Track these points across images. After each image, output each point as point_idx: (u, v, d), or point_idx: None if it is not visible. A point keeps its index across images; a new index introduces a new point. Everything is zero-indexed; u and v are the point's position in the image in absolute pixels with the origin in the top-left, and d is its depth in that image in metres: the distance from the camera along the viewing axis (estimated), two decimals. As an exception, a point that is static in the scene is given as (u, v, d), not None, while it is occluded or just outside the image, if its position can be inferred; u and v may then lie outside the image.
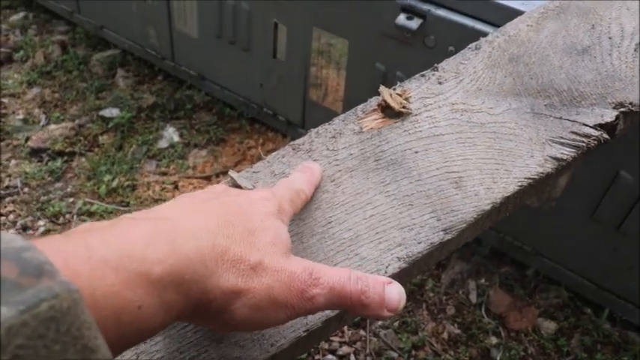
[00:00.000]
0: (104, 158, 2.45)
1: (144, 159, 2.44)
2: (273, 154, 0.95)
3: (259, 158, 2.43)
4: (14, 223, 2.24)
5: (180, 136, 2.56)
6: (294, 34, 2.22)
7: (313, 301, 0.48)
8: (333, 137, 0.82)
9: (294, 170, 0.74)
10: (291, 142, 0.94)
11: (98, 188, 2.32)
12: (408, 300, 1.95)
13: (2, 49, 3.13)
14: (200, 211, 0.47)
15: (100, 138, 2.59)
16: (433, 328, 1.92)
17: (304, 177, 0.70)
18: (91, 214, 2.23)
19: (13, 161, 2.51)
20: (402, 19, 1.87)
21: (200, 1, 2.47)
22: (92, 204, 2.27)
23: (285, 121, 2.46)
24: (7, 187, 2.38)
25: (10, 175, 2.43)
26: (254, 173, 0.87)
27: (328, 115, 2.26)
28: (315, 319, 0.63)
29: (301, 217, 0.73)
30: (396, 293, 0.53)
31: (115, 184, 2.32)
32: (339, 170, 0.78)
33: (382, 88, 0.83)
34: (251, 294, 0.44)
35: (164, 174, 2.39)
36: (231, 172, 0.92)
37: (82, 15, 3.16)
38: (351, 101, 2.16)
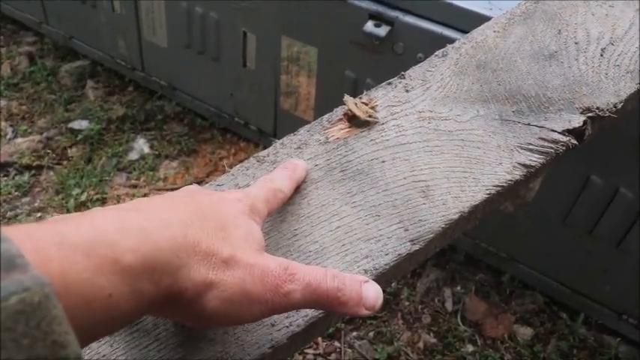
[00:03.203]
0: (73, 171, 2.40)
1: (114, 171, 2.39)
2: (237, 166, 0.93)
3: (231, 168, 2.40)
4: (-20, 239, 2.18)
5: (151, 147, 2.52)
6: (263, 43, 2.21)
7: (289, 297, 0.48)
8: (299, 148, 0.80)
9: (277, 166, 0.73)
10: (256, 154, 0.92)
11: (66, 202, 2.27)
12: (382, 309, 1.93)
13: (-33, 62, 3.06)
14: (173, 204, 0.47)
15: (69, 151, 2.54)
16: (409, 338, 1.90)
17: (285, 174, 0.69)
18: (59, 229, 2.18)
19: (-22, 176, 2.44)
20: (369, 26, 1.86)
21: (169, 10, 2.44)
22: (60, 218, 2.21)
23: (257, 131, 2.43)
24: (-28, 203, 2.32)
25: (-25, 191, 2.37)
26: (218, 186, 0.84)
27: (300, 124, 2.23)
28: (280, 336, 0.61)
29: (265, 230, 0.71)
30: (373, 291, 0.53)
31: (83, 197, 2.27)
32: (305, 182, 0.76)
33: (347, 98, 0.82)
34: (222, 287, 0.44)
35: (134, 186, 2.34)
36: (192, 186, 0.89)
37: (50, 25, 3.10)
38: (322, 110, 2.14)
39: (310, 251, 0.68)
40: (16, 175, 2.44)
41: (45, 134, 2.63)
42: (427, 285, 2.06)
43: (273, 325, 0.66)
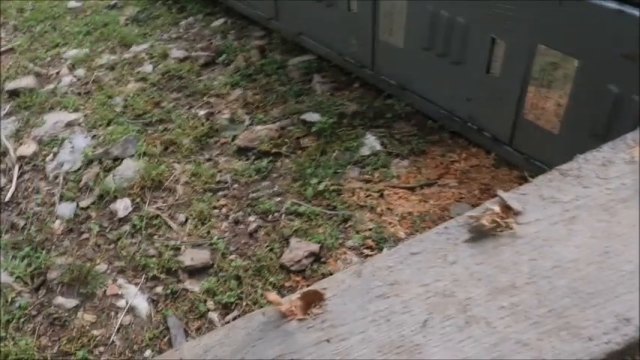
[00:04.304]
0: (309, 161, 2.55)
1: (348, 165, 2.51)
2: (540, 177, 0.94)
3: (464, 173, 2.42)
4: (227, 216, 2.39)
5: (382, 144, 2.61)
6: (513, 51, 2.20)
7: None
8: (603, 165, 0.81)
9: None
10: (558, 167, 0.93)
11: (305, 190, 2.42)
12: None
13: (207, 53, 3.35)
14: None
15: (302, 141, 2.70)
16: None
17: None
18: (298, 215, 2.33)
19: (222, 158, 2.67)
20: (649, 39, 1.80)
21: (411, 12, 2.51)
22: (299, 205, 2.36)
23: (491, 138, 2.43)
24: (219, 182, 2.54)
25: (220, 171, 2.59)
26: (522, 195, 0.87)
27: (543, 136, 2.23)
28: (597, 351, 0.64)
29: (576, 244, 0.73)
30: None
31: (321, 187, 2.40)
32: (612, 200, 0.76)
33: None
34: None
35: (368, 181, 2.44)
36: (500, 192, 0.93)
37: (280, 22, 3.31)
38: (572, 123, 2.10)
39: (624, 270, 0.69)
40: (255, 159, 2.64)
41: (279, 123, 2.82)
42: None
43: (590, 340, 0.68)
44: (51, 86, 3.21)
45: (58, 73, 3.34)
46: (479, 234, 0.82)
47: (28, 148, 2.78)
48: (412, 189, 2.38)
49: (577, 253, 0.73)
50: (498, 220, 0.81)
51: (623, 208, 0.76)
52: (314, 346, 0.77)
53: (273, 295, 0.83)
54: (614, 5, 1.83)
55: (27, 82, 3.22)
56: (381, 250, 2.12)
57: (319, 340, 0.77)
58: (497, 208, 0.82)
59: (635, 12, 1.80)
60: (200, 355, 0.79)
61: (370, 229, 2.21)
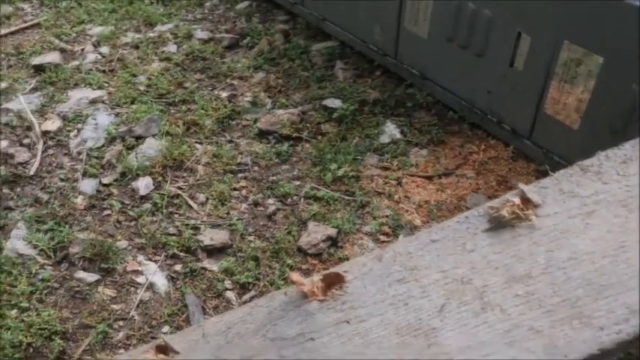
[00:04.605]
0: (329, 146, 2.58)
1: (367, 152, 2.54)
2: (562, 171, 0.96)
3: (482, 164, 2.44)
4: (246, 198, 2.42)
5: (401, 133, 2.63)
6: (538, 46, 2.20)
7: None
8: (624, 162, 0.83)
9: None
10: (579, 162, 0.95)
11: (324, 175, 2.45)
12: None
13: (231, 35, 3.38)
14: None
15: (323, 126, 2.73)
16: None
17: None
18: (317, 199, 2.37)
19: (243, 140, 2.71)
20: (677, 40, 1.80)
21: (437, 3, 2.52)
22: (318, 189, 2.40)
23: (510, 131, 2.44)
24: (239, 164, 2.57)
25: (241, 153, 2.62)
26: (542, 189, 0.90)
27: (563, 131, 2.24)
28: (608, 341, 0.67)
29: (592, 237, 0.76)
30: None
31: (340, 172, 2.43)
32: (631, 196, 0.79)
33: None
34: None
35: (386, 169, 2.47)
36: (520, 185, 0.95)
37: (305, 7, 3.32)
38: (592, 119, 2.10)
39: (637, 265, 0.72)
40: (276, 143, 2.67)
41: (300, 108, 2.84)
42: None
43: (601, 329, 0.70)
44: (76, 63, 3.25)
45: (83, 49, 3.38)
46: (498, 224, 0.85)
47: (53, 124, 2.82)
48: (430, 178, 2.40)
49: (593, 246, 0.76)
50: (518, 211, 0.84)
51: (649, 206, 0.78)
52: (334, 326, 0.80)
53: (296, 276, 0.86)
54: (640, 3, 1.83)
55: (52, 57, 3.26)
56: (397, 236, 2.15)
57: (339, 321, 0.80)
58: (517, 200, 0.85)
59: (662, 11, 1.80)
60: (222, 332, 0.82)
61: (387, 216, 2.24)
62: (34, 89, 3.05)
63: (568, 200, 0.86)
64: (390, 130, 2.63)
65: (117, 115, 2.84)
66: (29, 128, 2.80)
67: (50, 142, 2.72)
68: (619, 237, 0.78)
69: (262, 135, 2.71)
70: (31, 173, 2.54)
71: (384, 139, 2.60)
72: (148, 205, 2.35)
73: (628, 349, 0.70)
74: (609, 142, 0.94)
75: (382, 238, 2.17)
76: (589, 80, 2.06)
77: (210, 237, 2.19)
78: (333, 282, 0.86)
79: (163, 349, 0.80)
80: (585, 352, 0.67)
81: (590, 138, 2.10)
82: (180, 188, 2.43)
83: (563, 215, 0.84)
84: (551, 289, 0.75)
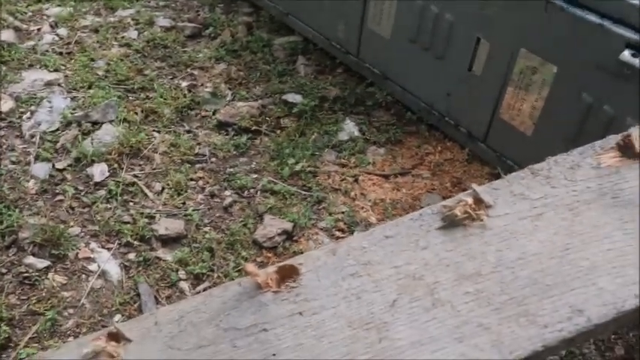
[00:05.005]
0: (287, 141, 2.58)
1: (325, 148, 2.55)
2: (513, 174, 1.00)
3: (437, 165, 2.49)
4: (202, 189, 2.41)
5: (360, 131, 2.65)
6: (496, 52, 2.25)
7: None
8: (571, 168, 0.88)
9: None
10: (530, 166, 1.00)
11: (281, 169, 2.45)
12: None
13: (194, 24, 3.34)
14: None
15: (282, 121, 2.73)
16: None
17: None
18: (273, 193, 2.37)
19: (201, 131, 2.69)
20: (626, 55, 1.86)
21: (400, 4, 2.55)
22: (275, 183, 2.40)
23: (467, 134, 2.50)
24: (197, 155, 2.56)
25: (199, 144, 2.61)
26: (494, 190, 0.94)
27: (516, 136, 2.30)
28: (551, 338, 0.70)
29: (540, 239, 0.79)
30: None
31: (298, 167, 2.44)
32: (577, 201, 0.83)
33: (634, 129, 0.89)
34: None
35: (344, 165, 2.49)
36: (473, 185, 0.98)
37: (269, 0, 3.32)
38: (544, 126, 2.17)
39: (582, 266, 0.76)
40: (235, 135, 2.66)
41: (260, 101, 2.84)
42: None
43: (545, 327, 0.74)
44: (31, 43, 3.16)
45: (39, 30, 3.29)
46: (451, 223, 0.87)
47: (5, 104, 2.75)
48: (386, 177, 2.43)
49: (540, 248, 0.79)
50: (470, 211, 0.87)
51: (586, 210, 0.82)
52: (287, 317, 0.81)
53: (251, 266, 0.87)
54: (595, 19, 1.90)
55: (6, 35, 3.16)
56: (352, 233, 2.17)
57: (292, 313, 0.81)
58: (470, 200, 0.87)
59: (613, 27, 1.87)
60: (175, 320, 0.82)
61: (343, 212, 2.26)
62: (-14, 67, 2.96)
63: (518, 202, 0.89)
64: (349, 128, 2.66)
65: (73, 99, 2.78)
66: (-20, 108, 2.72)
67: (1, 124, 2.65)
68: (565, 239, 0.82)
69: (221, 126, 2.69)
70: (-20, 154, 2.47)
71: (343, 136, 2.63)
72: (102, 192, 2.32)
73: (570, 347, 0.74)
74: (560, 150, 0.97)
75: (337, 234, 2.19)
76: (543, 88, 2.13)
77: (165, 226, 2.17)
78: (288, 274, 0.87)
79: (115, 336, 0.80)
80: (530, 349, 0.70)
81: (543, 144, 2.16)
82: (136, 176, 2.41)
83: (513, 216, 0.87)
84: (500, 287, 0.78)
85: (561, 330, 0.72)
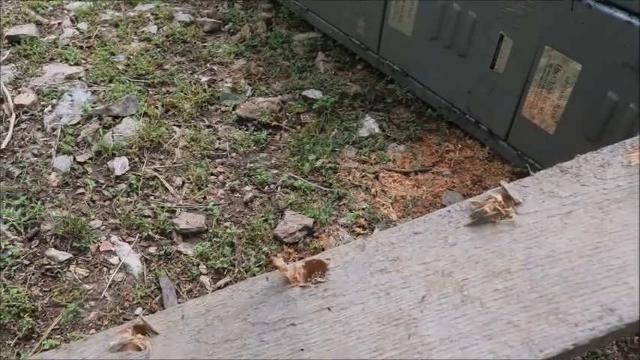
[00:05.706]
0: (307, 137, 2.58)
1: (346, 144, 2.55)
2: (542, 172, 1.00)
3: (458, 163, 2.47)
4: (223, 184, 2.42)
5: (380, 128, 2.65)
6: (520, 49, 2.24)
7: None
8: (601, 166, 0.87)
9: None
10: (559, 164, 0.99)
11: (302, 165, 2.45)
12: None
13: (213, 20, 3.35)
14: None
15: (302, 117, 2.73)
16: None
17: None
18: (294, 189, 2.37)
19: (221, 126, 2.70)
20: (654, 51, 1.84)
21: (423, 1, 2.54)
22: (296, 179, 2.40)
23: (487, 132, 2.48)
24: (217, 150, 2.57)
25: (219, 139, 2.62)
26: (523, 187, 0.93)
27: (539, 135, 2.28)
28: (582, 336, 0.69)
29: (570, 237, 0.79)
30: None
31: (318, 163, 2.44)
32: (607, 199, 0.82)
33: None
34: None
35: (364, 162, 2.49)
36: (502, 182, 0.98)
37: (289, -5, 3.32)
38: (567, 124, 2.15)
39: (612, 265, 0.75)
40: (254, 130, 2.67)
41: (280, 97, 2.84)
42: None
43: (576, 325, 0.73)
44: (52, 37, 3.19)
45: (60, 24, 3.32)
46: (479, 220, 0.87)
47: (27, 98, 2.77)
48: (407, 174, 2.42)
49: (570, 246, 0.79)
50: (499, 208, 0.86)
51: (616, 208, 0.82)
52: (315, 312, 0.81)
53: (279, 261, 0.87)
54: (622, 16, 1.87)
55: (28, 29, 3.20)
56: (372, 229, 2.17)
57: (320, 308, 0.81)
58: (499, 197, 0.87)
59: (641, 23, 1.85)
60: (202, 314, 0.83)
61: (363, 209, 2.26)
62: (8, 61, 2.99)
63: (547, 200, 0.88)
64: (369, 125, 2.65)
65: (94, 92, 2.80)
66: (1, 100, 2.74)
67: (23, 117, 2.67)
68: (595, 238, 0.81)
69: (241, 122, 2.70)
70: (3, 147, 2.50)
71: (363, 132, 2.62)
72: (123, 186, 2.34)
73: (600, 346, 0.73)
74: (583, 149, 0.97)
75: (358, 230, 2.19)
76: (567, 86, 2.11)
77: (186, 221, 2.18)
78: (316, 269, 0.87)
79: (141, 328, 0.80)
80: (560, 347, 0.69)
81: (565, 143, 2.14)
82: (156, 170, 2.42)
83: (542, 214, 0.86)
84: (530, 285, 0.78)
85: (592, 329, 0.71)
